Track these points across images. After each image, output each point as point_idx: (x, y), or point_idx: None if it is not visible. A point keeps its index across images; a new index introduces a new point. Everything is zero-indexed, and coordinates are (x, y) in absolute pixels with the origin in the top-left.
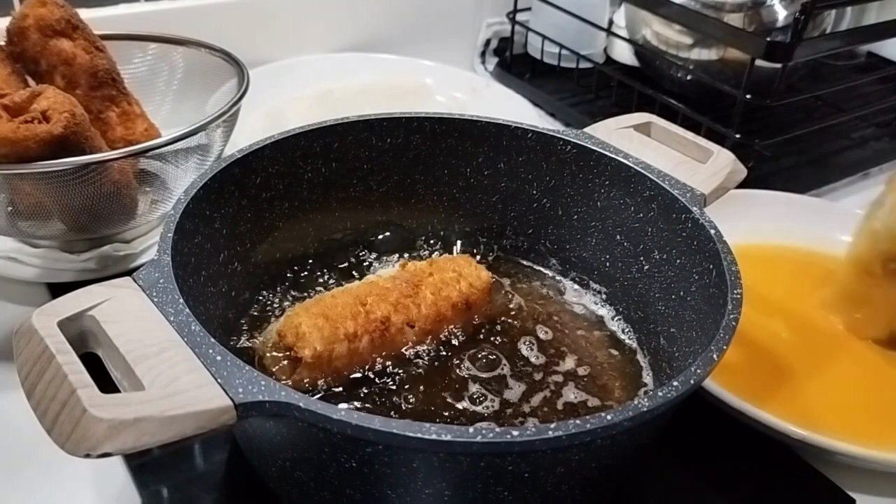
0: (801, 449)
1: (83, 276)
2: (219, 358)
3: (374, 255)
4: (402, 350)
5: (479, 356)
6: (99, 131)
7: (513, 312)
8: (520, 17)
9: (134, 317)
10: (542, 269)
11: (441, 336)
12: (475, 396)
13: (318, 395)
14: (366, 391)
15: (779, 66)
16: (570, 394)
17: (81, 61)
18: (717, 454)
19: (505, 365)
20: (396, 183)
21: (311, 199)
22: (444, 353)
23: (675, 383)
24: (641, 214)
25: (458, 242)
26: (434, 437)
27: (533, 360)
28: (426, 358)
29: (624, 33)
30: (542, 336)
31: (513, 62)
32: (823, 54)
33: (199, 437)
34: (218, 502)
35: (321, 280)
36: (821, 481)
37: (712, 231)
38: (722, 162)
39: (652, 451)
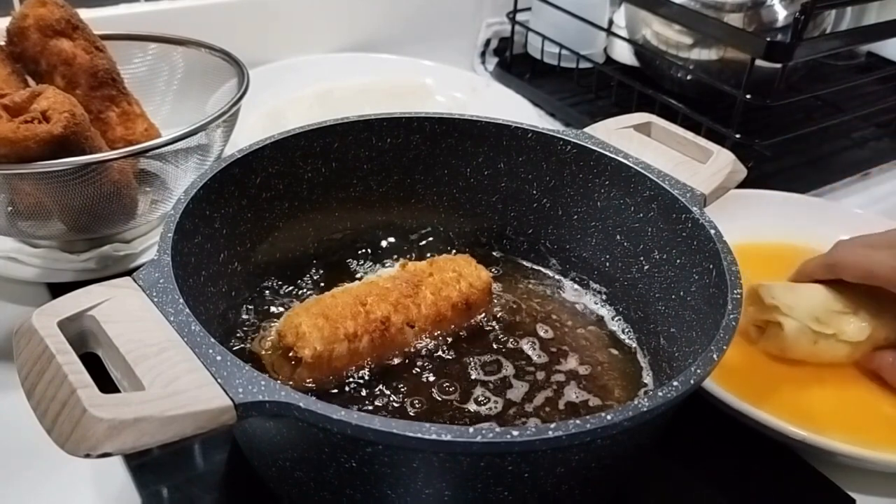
0: (801, 449)
1: (83, 276)
2: (219, 358)
3: (373, 255)
4: (402, 350)
5: (481, 356)
6: (99, 131)
7: (513, 312)
8: (520, 17)
9: (134, 317)
10: (542, 269)
11: (442, 336)
12: (477, 396)
13: (318, 396)
14: (365, 391)
15: (779, 66)
16: (572, 393)
17: (81, 61)
18: (717, 454)
19: (507, 365)
20: (396, 183)
21: (311, 199)
22: (444, 353)
23: (675, 383)
24: (641, 214)
25: (458, 242)
26: (434, 437)
27: (535, 358)
28: (426, 358)
29: (624, 33)
30: (542, 335)
31: (513, 62)
32: (823, 54)
33: (199, 437)
34: (218, 502)
35: (321, 280)
36: (821, 481)
37: (712, 231)
38: (722, 162)
39: (652, 451)
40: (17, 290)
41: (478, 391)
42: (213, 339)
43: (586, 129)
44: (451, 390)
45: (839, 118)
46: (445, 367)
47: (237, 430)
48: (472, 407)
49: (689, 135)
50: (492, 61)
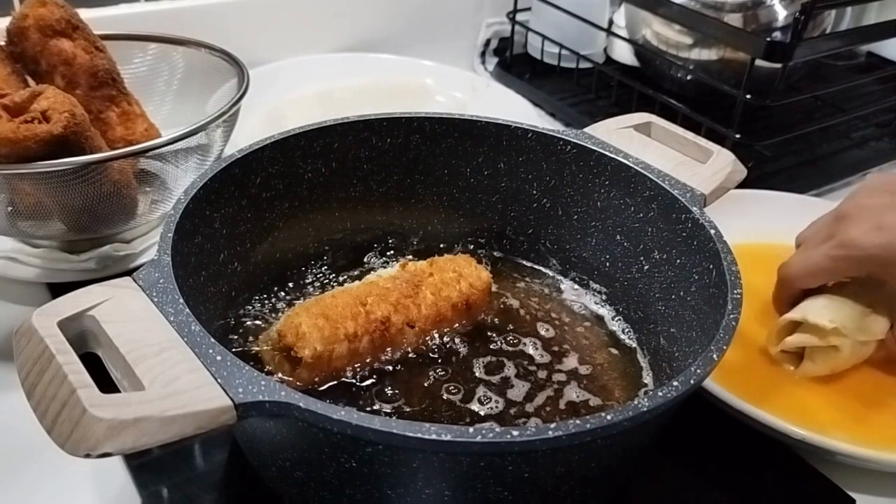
0: (801, 449)
1: (83, 276)
2: (219, 358)
3: (373, 255)
4: (403, 350)
5: (481, 356)
6: (99, 131)
7: (513, 312)
8: (520, 17)
9: (134, 317)
10: (542, 269)
11: (442, 336)
12: (478, 396)
13: (317, 396)
14: (365, 391)
15: (779, 66)
16: (573, 393)
17: (81, 61)
18: (717, 454)
19: (508, 365)
20: (396, 183)
21: (311, 199)
22: (444, 353)
23: (675, 383)
24: (641, 214)
25: (458, 242)
26: (434, 437)
27: (537, 358)
28: (426, 358)
29: (624, 33)
30: (543, 335)
31: (513, 62)
32: (823, 54)
33: (199, 437)
34: (218, 502)
35: (321, 280)
36: (821, 481)
37: (712, 231)
38: (722, 162)
39: (652, 451)
40: (17, 290)
41: (480, 391)
42: (213, 339)
43: (586, 129)
44: (453, 390)
45: (839, 118)
46: (445, 367)
47: (237, 430)
48: (472, 407)
49: (689, 135)
50: (492, 61)
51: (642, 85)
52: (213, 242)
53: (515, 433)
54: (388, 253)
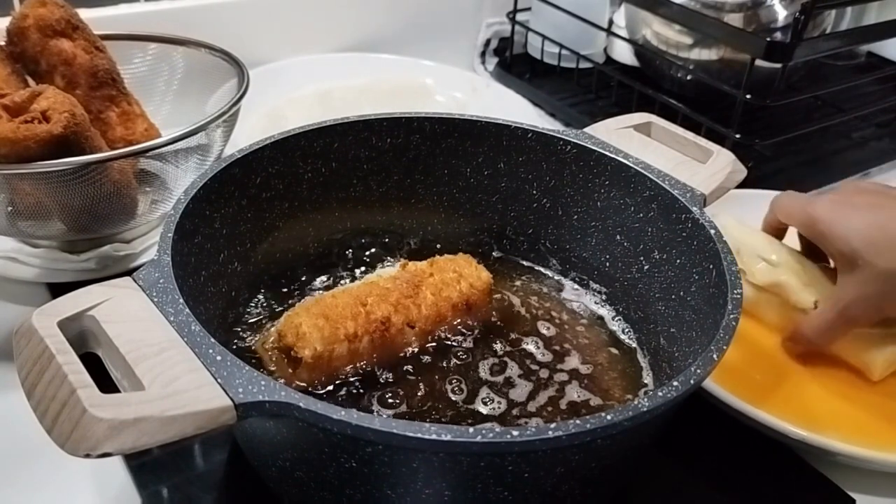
0: (801, 449)
1: (83, 276)
2: (219, 358)
3: (373, 256)
4: (403, 351)
5: (482, 356)
6: (99, 131)
7: (513, 312)
8: (520, 17)
9: (134, 317)
10: (542, 269)
11: (442, 336)
12: (481, 397)
13: (317, 396)
14: (365, 392)
15: (779, 66)
16: (574, 392)
17: (81, 61)
18: (717, 454)
19: (511, 365)
20: (396, 183)
21: (311, 199)
22: (445, 353)
23: (675, 383)
24: (641, 214)
25: (458, 242)
26: (434, 437)
27: (539, 357)
28: (426, 358)
29: (624, 33)
30: (544, 333)
31: (513, 62)
32: (823, 54)
33: (199, 437)
34: (218, 502)
35: (321, 280)
36: (821, 481)
37: (712, 231)
38: (722, 162)
39: (652, 451)
40: (17, 290)
41: (483, 391)
42: (212, 339)
43: (586, 129)
44: (455, 391)
45: (839, 118)
46: (446, 368)
47: (237, 430)
48: (475, 407)
49: (689, 135)
50: (492, 61)
51: (642, 85)
52: (213, 242)
53: (515, 433)
54: (388, 253)
